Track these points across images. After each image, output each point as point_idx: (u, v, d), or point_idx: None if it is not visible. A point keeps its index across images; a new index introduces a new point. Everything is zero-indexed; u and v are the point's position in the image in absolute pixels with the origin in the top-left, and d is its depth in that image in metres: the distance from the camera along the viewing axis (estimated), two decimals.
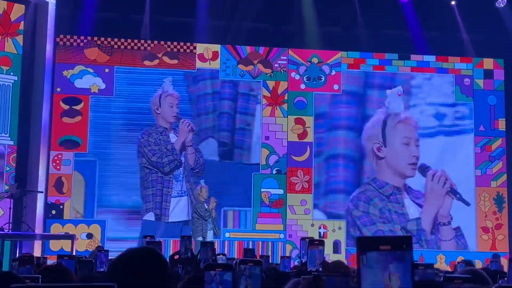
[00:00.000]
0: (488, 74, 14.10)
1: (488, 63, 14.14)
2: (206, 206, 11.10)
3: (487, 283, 3.14)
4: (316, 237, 12.81)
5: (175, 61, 13.31)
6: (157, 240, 5.08)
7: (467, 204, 13.12)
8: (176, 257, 4.93)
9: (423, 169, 13.09)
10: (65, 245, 11.56)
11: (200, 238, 10.86)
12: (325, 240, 11.63)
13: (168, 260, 3.93)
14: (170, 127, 13.04)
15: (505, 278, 3.55)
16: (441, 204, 12.96)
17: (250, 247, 11.87)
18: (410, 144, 13.11)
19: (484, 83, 14.06)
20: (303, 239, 4.36)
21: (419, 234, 12.91)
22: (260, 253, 11.96)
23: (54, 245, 12.01)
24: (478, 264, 10.59)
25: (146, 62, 13.21)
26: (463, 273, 3.23)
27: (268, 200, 13.07)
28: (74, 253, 10.17)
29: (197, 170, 12.95)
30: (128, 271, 2.28)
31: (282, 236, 12.97)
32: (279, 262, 6.61)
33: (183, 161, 12.96)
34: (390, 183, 13.07)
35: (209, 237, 10.86)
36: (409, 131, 13.21)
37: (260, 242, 12.81)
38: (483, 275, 3.30)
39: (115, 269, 2.35)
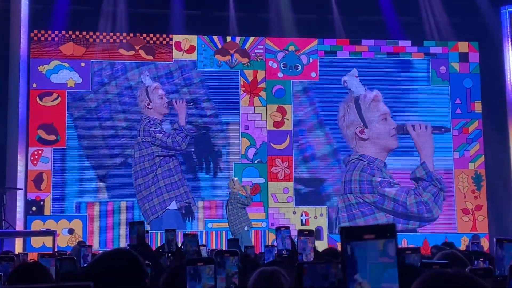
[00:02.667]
0: (463, 57, 14.21)
1: (463, 46, 14.24)
2: (246, 194, 11.54)
3: (465, 266, 3.17)
4: (298, 224, 12.90)
5: (150, 57, 13.24)
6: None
7: (449, 130, 13.38)
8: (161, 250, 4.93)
9: (402, 128, 13.14)
10: (47, 241, 11.49)
11: (246, 228, 11.08)
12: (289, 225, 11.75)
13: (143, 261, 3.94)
14: (162, 118, 13.02)
15: (481, 259, 3.58)
16: (432, 143, 13.09)
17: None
18: (387, 118, 13.20)
19: (459, 66, 14.17)
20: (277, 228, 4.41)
21: (430, 176, 13.00)
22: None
23: (36, 242, 11.94)
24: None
25: (122, 51, 13.12)
26: (441, 257, 3.26)
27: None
28: (55, 249, 10.12)
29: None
30: (105, 274, 2.28)
31: (264, 224, 13.01)
32: (263, 251, 6.64)
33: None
34: (379, 158, 13.13)
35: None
36: (382, 107, 13.28)
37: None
38: (460, 257, 3.34)
39: (92, 272, 2.35)
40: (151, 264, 3.76)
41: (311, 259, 3.76)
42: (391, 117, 13.22)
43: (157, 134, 12.79)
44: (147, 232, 5.25)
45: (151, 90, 12.99)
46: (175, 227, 6.06)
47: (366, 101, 13.13)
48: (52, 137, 12.62)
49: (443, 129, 13.07)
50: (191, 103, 13.06)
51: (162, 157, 12.81)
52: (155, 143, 12.78)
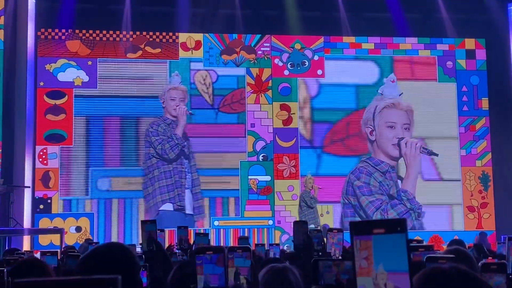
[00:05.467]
0: (470, 54, 14.16)
1: (470, 43, 14.20)
2: (311, 194, 11.76)
3: (471, 262, 3.16)
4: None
5: (158, 50, 13.25)
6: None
7: (436, 155, 13.13)
8: (173, 247, 4.96)
9: (398, 142, 13.20)
10: (54, 239, 11.53)
11: (312, 226, 11.27)
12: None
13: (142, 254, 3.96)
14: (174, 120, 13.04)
15: (494, 259, 3.56)
16: (419, 164, 13.09)
17: (244, 234, 11.94)
18: (396, 127, 13.19)
19: (466, 63, 14.13)
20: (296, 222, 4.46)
21: (400, 195, 13.00)
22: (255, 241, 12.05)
23: (43, 240, 11.98)
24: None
25: (130, 55, 13.15)
26: (448, 253, 3.25)
27: (256, 187, 13.08)
28: (63, 247, 10.15)
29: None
30: (97, 267, 2.27)
31: (271, 222, 13.01)
32: (269, 249, 6.66)
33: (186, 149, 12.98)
34: (385, 161, 13.19)
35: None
36: (397, 116, 13.25)
37: (251, 229, 12.84)
38: (467, 254, 3.33)
39: (85, 266, 2.35)
40: (162, 263, 3.76)
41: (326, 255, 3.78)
42: (406, 129, 13.18)
43: (152, 137, 12.82)
44: (162, 231, 5.24)
45: (168, 89, 13.06)
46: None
47: (382, 104, 13.19)
48: (62, 114, 12.67)
49: (427, 150, 13.01)
50: (190, 113, 13.03)
51: (158, 159, 12.82)
52: (151, 144, 12.84)
